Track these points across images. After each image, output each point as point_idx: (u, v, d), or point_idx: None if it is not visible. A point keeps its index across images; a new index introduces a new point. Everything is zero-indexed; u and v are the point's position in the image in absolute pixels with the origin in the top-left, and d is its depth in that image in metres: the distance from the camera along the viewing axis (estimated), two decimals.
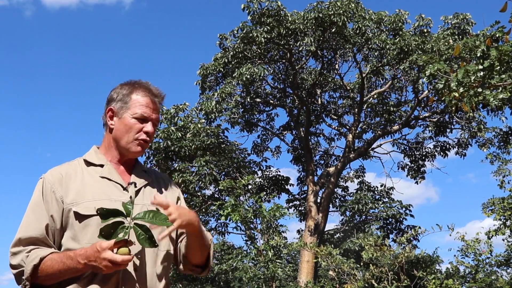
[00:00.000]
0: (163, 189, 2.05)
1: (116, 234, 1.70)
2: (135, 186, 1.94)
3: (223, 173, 14.68)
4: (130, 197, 1.85)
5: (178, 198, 2.10)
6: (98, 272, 1.73)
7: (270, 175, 17.67)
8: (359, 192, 17.96)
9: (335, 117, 18.71)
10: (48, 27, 60.35)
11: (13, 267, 1.81)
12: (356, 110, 17.23)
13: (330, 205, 17.40)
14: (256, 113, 17.79)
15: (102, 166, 1.95)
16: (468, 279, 10.40)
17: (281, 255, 8.93)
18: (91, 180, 1.90)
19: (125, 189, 1.91)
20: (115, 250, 1.69)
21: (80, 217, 1.81)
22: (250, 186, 12.33)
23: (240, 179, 10.68)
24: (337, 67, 17.43)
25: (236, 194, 8.82)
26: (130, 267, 1.81)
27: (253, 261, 9.04)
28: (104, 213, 1.71)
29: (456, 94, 5.53)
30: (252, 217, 8.48)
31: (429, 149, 18.28)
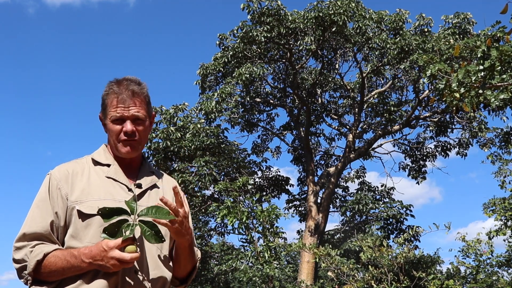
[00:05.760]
0: (169, 194, 2.03)
1: (121, 232, 1.70)
2: (141, 187, 1.93)
3: (223, 173, 14.63)
4: (133, 192, 1.84)
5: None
6: (104, 270, 1.72)
7: (270, 176, 17.62)
8: (359, 192, 17.90)
9: (336, 117, 18.66)
10: (51, 24, 60.41)
11: (16, 261, 1.80)
12: (356, 110, 17.18)
13: (331, 205, 17.35)
14: (256, 113, 17.74)
15: (109, 165, 1.95)
16: (469, 279, 10.35)
17: (279, 256, 8.87)
18: (97, 179, 1.90)
19: (130, 190, 1.90)
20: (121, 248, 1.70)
21: (83, 216, 1.81)
22: (250, 187, 12.26)
23: (240, 179, 10.62)
24: (337, 66, 17.38)
25: (232, 196, 8.77)
26: (130, 269, 1.80)
27: (251, 263, 8.99)
28: (106, 213, 1.71)
29: (457, 95, 5.48)
30: (248, 219, 8.42)
31: (430, 149, 18.23)
